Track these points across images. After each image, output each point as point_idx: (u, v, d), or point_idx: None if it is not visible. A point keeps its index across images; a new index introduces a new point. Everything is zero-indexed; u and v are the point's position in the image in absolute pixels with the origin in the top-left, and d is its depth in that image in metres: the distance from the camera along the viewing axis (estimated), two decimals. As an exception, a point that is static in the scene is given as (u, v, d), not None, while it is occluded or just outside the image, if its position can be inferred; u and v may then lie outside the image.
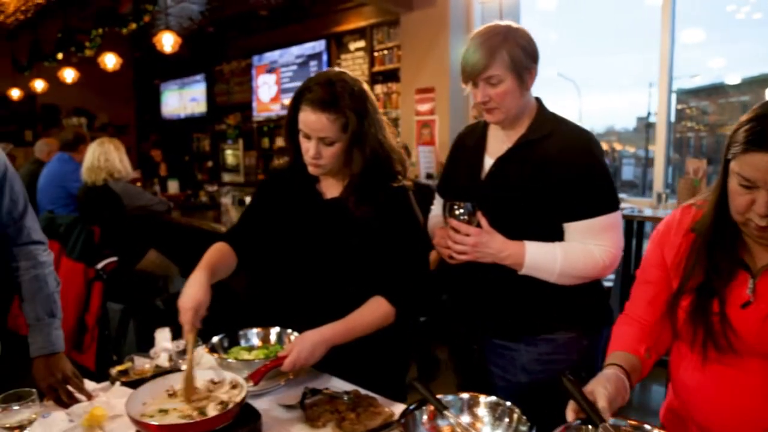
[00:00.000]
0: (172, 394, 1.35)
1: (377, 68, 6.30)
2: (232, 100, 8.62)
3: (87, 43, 6.19)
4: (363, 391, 1.46)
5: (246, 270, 1.67)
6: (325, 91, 1.44)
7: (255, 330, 1.70)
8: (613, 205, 1.51)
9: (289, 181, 1.65)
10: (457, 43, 5.20)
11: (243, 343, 1.69)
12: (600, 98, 13.86)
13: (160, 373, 1.62)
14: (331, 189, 1.63)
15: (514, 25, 1.52)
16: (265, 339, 1.70)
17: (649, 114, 7.52)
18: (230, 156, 8.31)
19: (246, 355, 1.61)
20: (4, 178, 1.54)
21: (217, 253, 1.59)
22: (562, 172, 1.47)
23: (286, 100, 7.37)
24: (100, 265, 2.81)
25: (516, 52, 1.47)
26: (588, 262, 1.49)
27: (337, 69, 1.54)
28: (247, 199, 4.74)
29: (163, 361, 1.67)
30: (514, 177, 1.53)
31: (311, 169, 1.53)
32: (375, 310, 1.51)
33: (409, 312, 1.55)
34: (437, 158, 5.29)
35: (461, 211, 1.50)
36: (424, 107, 5.49)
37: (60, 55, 7.07)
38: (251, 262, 1.64)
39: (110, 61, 6.50)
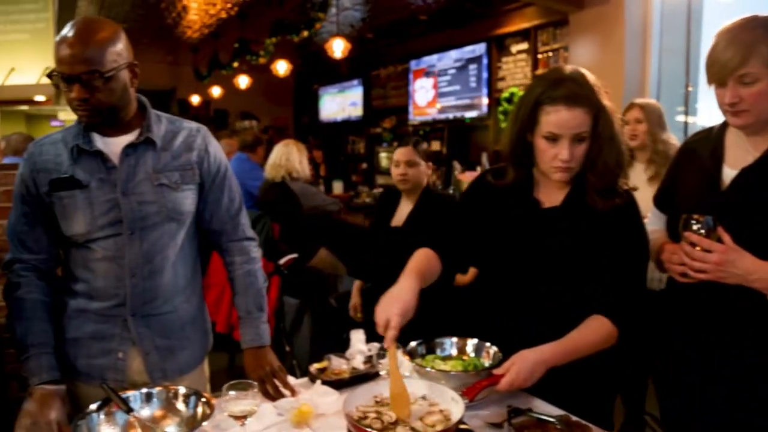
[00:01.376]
0: (380, 401, 1.32)
1: (540, 71, 6.06)
2: (388, 104, 8.79)
3: (261, 51, 6.63)
4: (573, 417, 1.34)
5: (445, 277, 1.62)
6: (576, 84, 1.38)
7: (452, 339, 1.65)
8: None
9: (502, 188, 1.56)
10: (633, 43, 4.83)
11: (439, 352, 1.64)
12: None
13: (357, 375, 1.62)
14: (551, 197, 1.52)
15: None
16: (461, 350, 1.64)
17: None
18: (384, 159, 8.47)
19: (442, 365, 1.56)
20: (225, 176, 1.62)
21: (425, 258, 1.55)
22: None
23: (444, 104, 7.35)
24: (282, 261, 2.94)
25: None
26: None
27: (570, 66, 1.45)
28: None
29: (359, 363, 1.67)
30: (761, 191, 1.35)
31: (559, 176, 1.44)
32: (597, 330, 1.39)
33: (632, 333, 1.41)
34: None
35: (699, 225, 1.33)
36: (593, 111, 5.16)
37: (236, 64, 7.69)
38: (455, 269, 1.58)
39: (281, 67, 6.92)
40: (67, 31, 1.35)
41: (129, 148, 1.46)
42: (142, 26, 7.38)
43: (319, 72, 9.86)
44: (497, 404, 1.43)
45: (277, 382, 1.53)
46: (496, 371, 1.37)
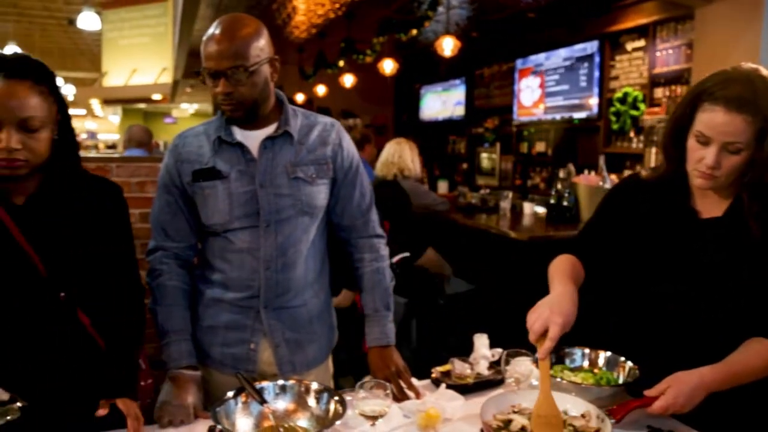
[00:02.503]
0: (518, 411, 1.26)
1: (658, 70, 5.70)
2: (491, 104, 8.64)
3: (368, 51, 6.71)
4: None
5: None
6: (747, 88, 1.21)
7: (583, 350, 1.56)
8: None
9: (653, 192, 1.45)
10: (770, 39, 4.42)
11: (568, 362, 1.56)
12: None
13: (482, 381, 1.57)
14: (711, 207, 1.38)
15: None
16: (593, 362, 1.54)
17: None
18: (485, 159, 8.32)
19: (572, 377, 1.48)
20: (356, 171, 1.61)
21: (570, 265, 1.47)
22: None
23: (551, 104, 7.11)
24: (395, 259, 2.93)
25: None
26: None
27: (750, 64, 1.29)
28: (525, 205, 4.62)
29: (483, 368, 1.62)
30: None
31: (699, 182, 1.31)
32: (761, 354, 1.25)
33: None
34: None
35: None
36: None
37: (341, 63, 7.83)
38: (597, 278, 1.48)
39: (388, 66, 6.96)
40: (214, 28, 1.39)
41: (267, 141, 1.49)
42: (254, 27, 7.66)
43: (421, 71, 9.86)
44: (634, 425, 1.33)
45: (402, 383, 1.51)
46: (648, 392, 1.26)
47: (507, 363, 1.56)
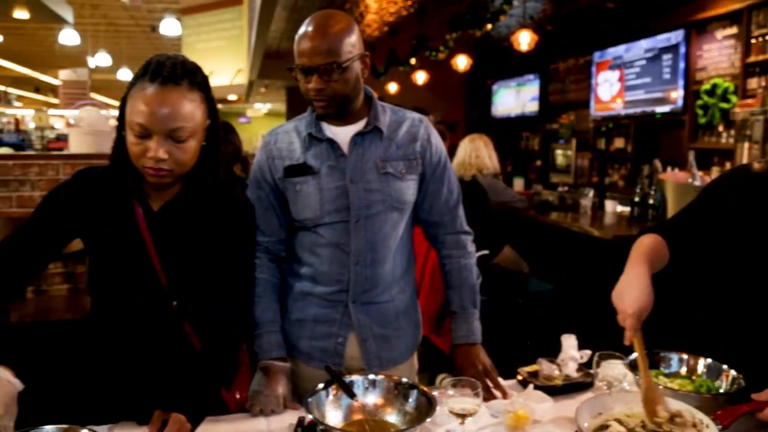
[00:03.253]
0: (617, 420, 1.22)
1: (753, 58, 5.35)
2: (566, 99, 8.39)
3: (440, 47, 6.67)
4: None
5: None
6: None
7: (681, 356, 1.48)
8: None
9: (765, 186, 1.36)
10: None
11: (663, 368, 1.49)
12: None
13: (570, 383, 1.53)
14: None
15: None
16: (691, 369, 1.47)
17: None
18: (560, 156, 8.10)
19: (668, 383, 1.41)
20: (444, 167, 1.60)
21: (652, 244, 1.39)
22: None
23: (631, 98, 6.83)
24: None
25: None
26: None
27: None
28: (608, 203, 4.46)
29: (572, 370, 1.57)
30: None
31: None
32: None
33: None
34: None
35: None
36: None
37: (413, 60, 7.83)
38: (681, 262, 1.40)
39: (462, 62, 6.90)
40: (306, 25, 1.41)
41: (357, 137, 1.50)
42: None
43: (494, 66, 9.70)
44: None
45: (489, 382, 1.49)
46: (757, 396, 1.19)
47: (598, 365, 1.51)
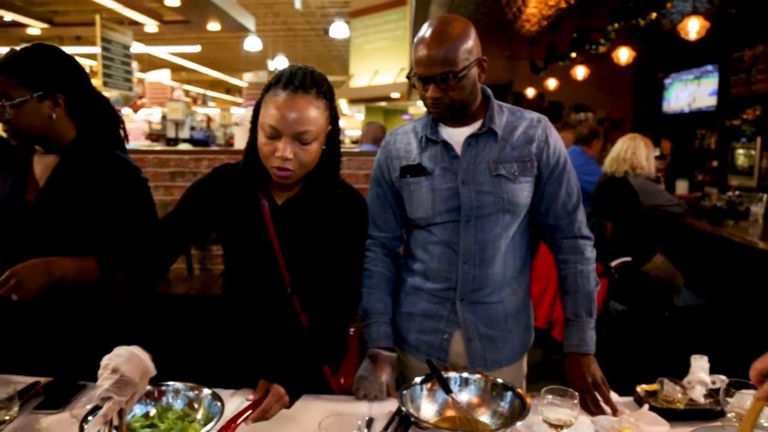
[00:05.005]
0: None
1: None
2: (751, 91, 7.43)
3: (601, 40, 6.29)
4: None
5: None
6: None
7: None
8: None
9: None
10: None
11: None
12: None
13: (694, 410, 1.39)
14: None
15: None
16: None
17: None
18: (742, 156, 7.19)
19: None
20: (564, 169, 1.55)
21: None
22: None
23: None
24: (613, 263, 2.73)
25: None
26: None
27: None
28: (755, 209, 3.90)
29: (698, 395, 1.43)
30: None
31: None
32: None
33: None
34: None
35: None
36: None
37: (573, 54, 7.47)
38: None
39: (623, 55, 6.46)
40: (424, 32, 1.43)
41: (471, 138, 1.51)
42: (484, 24, 7.72)
43: (666, 58, 8.90)
44: None
45: (599, 396, 1.41)
46: None
47: (729, 394, 1.36)
